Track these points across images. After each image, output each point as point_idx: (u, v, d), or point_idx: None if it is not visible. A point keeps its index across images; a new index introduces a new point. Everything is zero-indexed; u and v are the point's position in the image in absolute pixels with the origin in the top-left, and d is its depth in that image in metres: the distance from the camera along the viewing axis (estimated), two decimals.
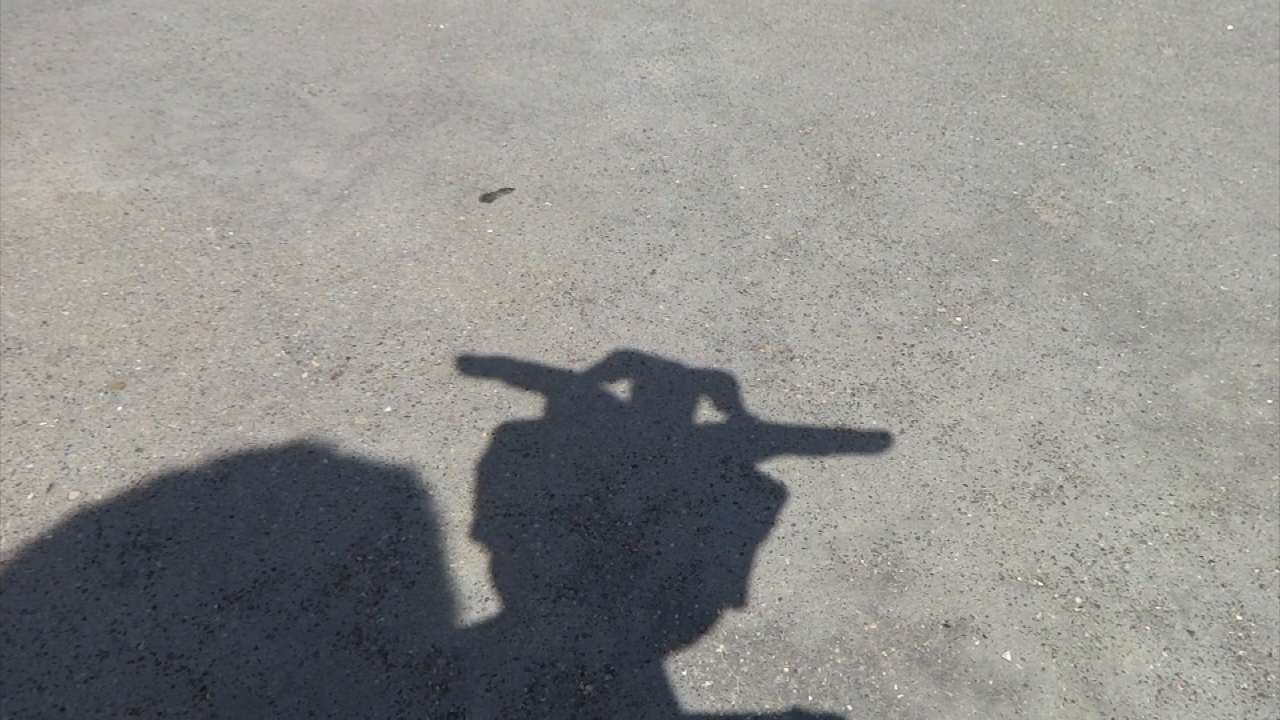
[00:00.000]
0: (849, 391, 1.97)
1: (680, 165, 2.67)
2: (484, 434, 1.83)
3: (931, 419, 1.92)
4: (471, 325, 2.09)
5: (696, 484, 1.75)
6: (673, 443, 1.84)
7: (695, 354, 2.05)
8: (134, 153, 2.56)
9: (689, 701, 1.42)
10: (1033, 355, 2.09)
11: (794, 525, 1.69)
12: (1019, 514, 1.73)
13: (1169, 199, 2.63)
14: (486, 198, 2.49)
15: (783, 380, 1.99)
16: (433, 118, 2.82)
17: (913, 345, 2.10)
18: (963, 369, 2.04)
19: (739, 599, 1.56)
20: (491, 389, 1.93)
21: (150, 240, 2.26)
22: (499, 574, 1.58)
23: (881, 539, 1.67)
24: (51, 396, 1.84)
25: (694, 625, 1.52)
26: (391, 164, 2.60)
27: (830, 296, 2.22)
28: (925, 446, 1.86)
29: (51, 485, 1.67)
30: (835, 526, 1.69)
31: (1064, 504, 1.76)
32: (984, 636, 1.53)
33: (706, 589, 1.57)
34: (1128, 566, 1.65)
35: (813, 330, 2.12)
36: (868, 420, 1.91)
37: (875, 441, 1.86)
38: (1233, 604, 1.60)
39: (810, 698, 1.43)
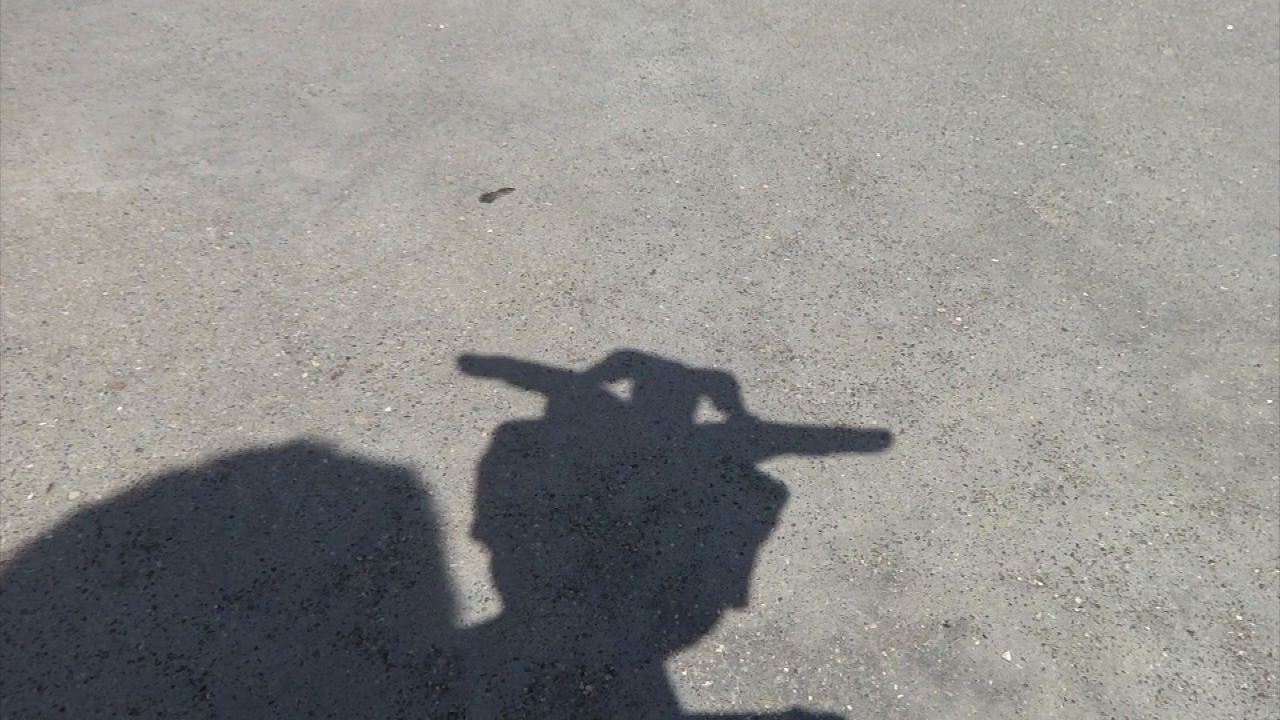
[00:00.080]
0: (849, 391, 1.97)
1: (680, 165, 2.67)
2: (484, 434, 1.83)
3: (931, 419, 1.92)
4: (471, 325, 2.09)
5: (696, 484, 1.75)
6: (673, 443, 1.84)
7: (695, 354, 2.05)
8: (134, 153, 2.56)
9: (689, 701, 1.42)
10: (1033, 355, 2.09)
11: (794, 525, 1.69)
12: (1019, 514, 1.73)
13: (1169, 199, 2.63)
14: (486, 198, 2.49)
15: (783, 380, 1.99)
16: (433, 118, 2.82)
17: (913, 345, 2.10)
18: (963, 369, 2.04)
19: (739, 599, 1.56)
20: (491, 389, 1.93)
21: (150, 240, 2.26)
22: (499, 574, 1.58)
23: (881, 539, 1.67)
24: (51, 396, 1.84)
25: (694, 625, 1.52)
26: (391, 164, 2.60)
27: (830, 296, 2.22)
28: (925, 446, 1.86)
29: (51, 485, 1.67)
30: (835, 526, 1.69)
31: (1064, 504, 1.76)
32: (984, 636, 1.53)
33: (706, 589, 1.57)
34: (1128, 566, 1.65)
35: (813, 330, 2.12)
36: (868, 420, 1.91)
37: (875, 441, 1.86)
38: (1233, 604, 1.60)
39: (810, 698, 1.43)
